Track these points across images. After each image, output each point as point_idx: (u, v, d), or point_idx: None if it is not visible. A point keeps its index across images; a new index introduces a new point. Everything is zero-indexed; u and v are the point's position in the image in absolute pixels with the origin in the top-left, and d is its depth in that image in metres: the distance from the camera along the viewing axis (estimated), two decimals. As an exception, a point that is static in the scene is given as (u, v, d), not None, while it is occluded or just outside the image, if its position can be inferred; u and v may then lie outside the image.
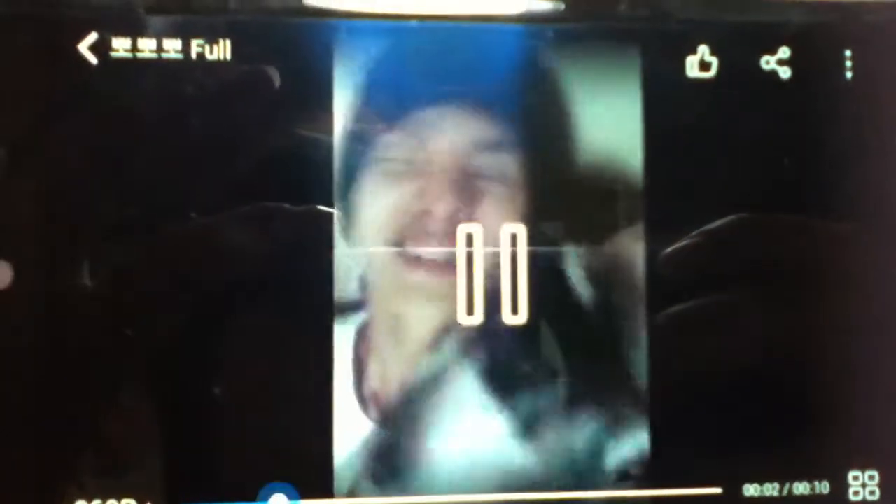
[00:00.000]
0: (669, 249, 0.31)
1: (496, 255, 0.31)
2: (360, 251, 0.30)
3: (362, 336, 0.30)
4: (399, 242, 0.31)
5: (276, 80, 0.30)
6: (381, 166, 0.31)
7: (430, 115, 0.31)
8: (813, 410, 0.31)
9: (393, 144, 0.31)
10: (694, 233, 0.31)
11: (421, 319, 0.31)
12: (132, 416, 0.29)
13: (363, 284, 0.30)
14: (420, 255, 0.31)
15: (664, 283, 0.31)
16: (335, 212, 0.30)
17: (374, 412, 0.30)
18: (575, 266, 0.31)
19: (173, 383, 0.30)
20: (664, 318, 0.31)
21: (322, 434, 0.30)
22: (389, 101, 0.31)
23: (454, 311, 0.31)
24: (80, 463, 0.29)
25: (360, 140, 0.31)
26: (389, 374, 0.30)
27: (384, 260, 0.31)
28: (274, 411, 0.30)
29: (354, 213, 0.31)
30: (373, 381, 0.30)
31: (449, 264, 0.31)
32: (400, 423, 0.30)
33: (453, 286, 0.31)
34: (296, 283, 0.30)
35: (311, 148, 0.30)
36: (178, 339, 0.30)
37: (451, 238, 0.31)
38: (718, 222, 0.31)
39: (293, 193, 0.30)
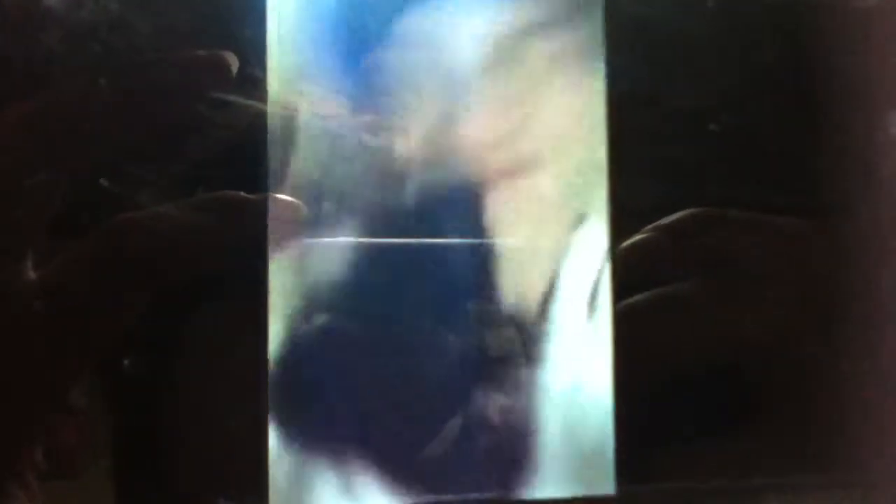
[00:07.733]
0: (626, 243, 0.31)
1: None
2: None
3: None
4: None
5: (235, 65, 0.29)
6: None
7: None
8: (767, 404, 0.32)
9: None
10: (650, 226, 0.31)
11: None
12: (80, 417, 0.28)
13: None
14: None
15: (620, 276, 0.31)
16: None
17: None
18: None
19: (122, 382, 0.28)
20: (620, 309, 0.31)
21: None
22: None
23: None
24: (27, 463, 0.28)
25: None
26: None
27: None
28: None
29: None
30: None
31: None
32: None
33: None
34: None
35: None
36: (128, 336, 0.28)
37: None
38: (674, 216, 0.32)
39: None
